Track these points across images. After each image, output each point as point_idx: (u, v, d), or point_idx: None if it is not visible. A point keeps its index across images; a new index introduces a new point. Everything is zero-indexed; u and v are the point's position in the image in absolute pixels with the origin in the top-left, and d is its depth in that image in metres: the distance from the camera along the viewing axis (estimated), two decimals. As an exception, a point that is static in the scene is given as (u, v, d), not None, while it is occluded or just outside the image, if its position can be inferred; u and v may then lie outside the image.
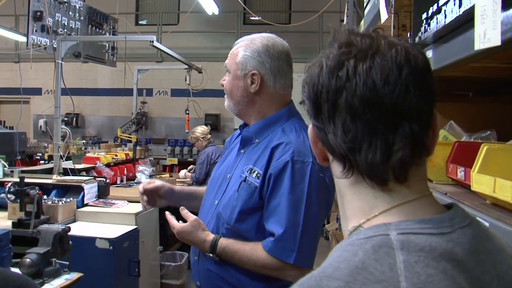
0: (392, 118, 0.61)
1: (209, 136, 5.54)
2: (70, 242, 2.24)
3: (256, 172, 1.52)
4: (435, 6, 1.38)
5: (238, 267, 1.52)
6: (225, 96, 1.68)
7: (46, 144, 6.90)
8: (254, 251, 1.48)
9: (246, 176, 1.54)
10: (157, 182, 1.85)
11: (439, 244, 0.57)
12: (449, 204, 0.66)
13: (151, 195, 1.83)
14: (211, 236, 1.54)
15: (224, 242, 1.52)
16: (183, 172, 5.80)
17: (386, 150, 0.61)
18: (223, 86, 1.68)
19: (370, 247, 0.57)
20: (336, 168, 0.67)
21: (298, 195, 1.45)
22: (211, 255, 1.52)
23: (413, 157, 0.62)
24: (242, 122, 1.73)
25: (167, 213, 1.67)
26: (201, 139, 5.42)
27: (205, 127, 5.64)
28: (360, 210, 0.65)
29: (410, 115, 0.62)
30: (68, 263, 2.21)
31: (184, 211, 1.61)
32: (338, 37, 0.67)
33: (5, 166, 3.96)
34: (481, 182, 1.22)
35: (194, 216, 1.59)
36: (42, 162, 5.43)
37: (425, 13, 1.46)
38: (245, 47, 1.63)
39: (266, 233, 1.50)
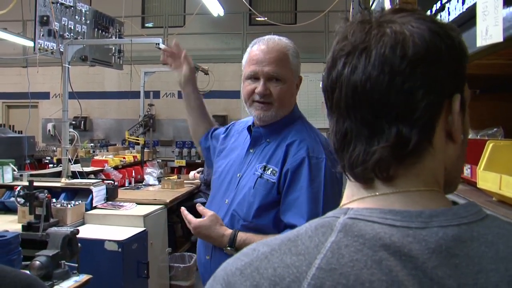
0: (375, 120, 0.59)
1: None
2: (79, 244, 2.25)
3: (271, 169, 1.57)
4: (438, 4, 1.38)
5: None
6: (269, 106, 1.61)
7: (54, 148, 6.94)
8: None
9: (261, 173, 1.58)
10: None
11: (389, 236, 0.55)
12: (462, 203, 0.61)
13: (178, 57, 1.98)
14: (229, 230, 1.56)
15: (243, 235, 1.54)
16: (192, 174, 5.82)
17: (365, 152, 0.60)
18: (263, 95, 1.60)
19: (314, 226, 0.59)
20: None
21: (316, 188, 1.51)
22: (229, 248, 1.53)
23: (396, 158, 0.59)
24: (251, 122, 1.73)
25: (182, 208, 1.69)
26: None
27: None
28: (346, 197, 0.66)
29: (397, 115, 0.59)
30: (77, 265, 2.22)
31: (201, 207, 1.64)
32: (339, 28, 0.65)
33: (14, 170, 3.99)
34: (487, 179, 1.22)
35: (212, 211, 1.61)
36: (51, 165, 5.47)
37: (429, 11, 1.45)
38: (292, 51, 1.66)
39: (281, 226, 1.54)
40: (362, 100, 0.60)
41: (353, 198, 0.63)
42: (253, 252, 0.59)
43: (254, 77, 1.61)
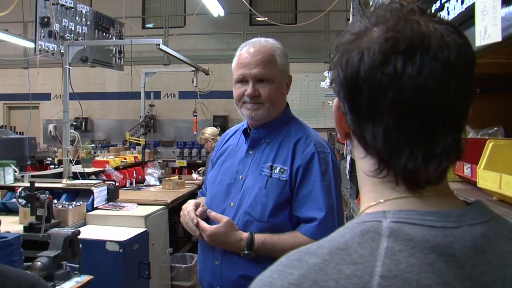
0: (438, 125, 0.59)
1: (218, 137, 5.54)
2: (80, 245, 2.26)
3: (278, 168, 1.60)
4: (438, 3, 1.38)
5: (271, 264, 1.53)
6: (259, 105, 1.64)
7: (55, 149, 6.96)
8: (295, 237, 1.54)
9: (270, 173, 1.60)
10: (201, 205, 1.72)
11: (434, 237, 0.55)
12: (472, 201, 0.64)
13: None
14: (245, 234, 1.56)
15: (260, 236, 1.55)
16: (195, 176, 5.82)
17: (427, 159, 0.59)
18: (252, 96, 1.63)
19: (359, 231, 0.57)
20: (361, 153, 0.66)
21: (328, 181, 1.57)
22: (246, 252, 1.53)
23: (453, 162, 0.61)
24: (245, 125, 1.75)
25: (193, 216, 1.64)
26: (210, 140, 5.42)
27: (214, 128, 5.64)
28: (372, 197, 0.65)
29: (456, 122, 0.60)
30: (78, 266, 2.23)
31: (213, 213, 1.62)
32: (381, 18, 0.61)
33: (15, 171, 4.00)
34: (487, 179, 1.22)
35: (227, 217, 1.59)
36: (52, 166, 5.48)
37: (429, 11, 1.45)
38: (279, 51, 1.68)
39: (295, 221, 1.58)
40: (428, 103, 0.57)
41: (380, 200, 0.63)
42: (301, 264, 0.56)
43: (243, 80, 1.65)
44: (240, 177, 1.66)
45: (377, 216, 0.59)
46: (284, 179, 1.58)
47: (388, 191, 0.63)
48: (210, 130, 5.51)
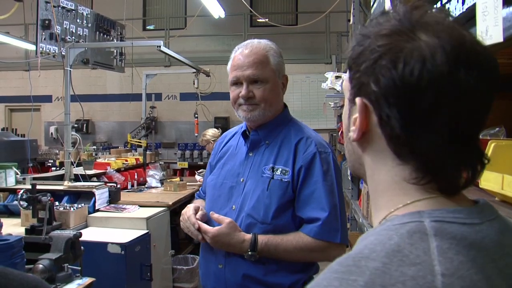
0: (477, 132, 0.63)
1: None
2: (82, 247, 2.25)
3: (280, 169, 1.61)
4: (439, 4, 1.38)
5: (274, 264, 1.56)
6: (255, 106, 1.65)
7: (57, 151, 6.97)
8: (299, 237, 1.55)
9: (272, 175, 1.60)
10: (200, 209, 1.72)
11: (469, 234, 0.58)
12: (477, 200, 0.67)
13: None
14: (248, 235, 1.56)
15: (263, 237, 1.55)
16: (198, 177, 5.81)
17: (472, 165, 0.63)
18: (247, 98, 1.64)
19: (405, 232, 0.58)
20: (388, 160, 0.66)
21: (330, 181, 1.58)
22: (250, 253, 1.53)
23: (484, 167, 0.65)
24: (244, 127, 1.76)
25: (194, 221, 1.64)
26: (211, 141, 5.42)
27: (216, 129, 5.64)
28: (396, 200, 0.65)
29: (481, 129, 0.64)
30: (80, 268, 2.22)
31: (216, 215, 1.62)
32: (441, 30, 0.61)
33: (17, 174, 4.00)
34: (489, 179, 1.21)
35: (229, 218, 1.59)
36: (53, 168, 5.49)
37: (424, 9, 1.45)
38: (272, 51, 1.68)
39: (297, 222, 1.59)
40: (479, 112, 0.61)
41: (407, 201, 0.64)
42: (361, 269, 0.55)
43: (237, 82, 1.66)
44: (241, 180, 1.66)
45: (414, 217, 0.60)
46: (286, 180, 1.58)
47: (418, 193, 0.64)
48: (211, 132, 5.51)
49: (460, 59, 0.58)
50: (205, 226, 1.60)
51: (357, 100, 0.65)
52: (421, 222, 0.59)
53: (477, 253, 0.56)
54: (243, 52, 1.66)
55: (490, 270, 0.56)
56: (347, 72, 0.71)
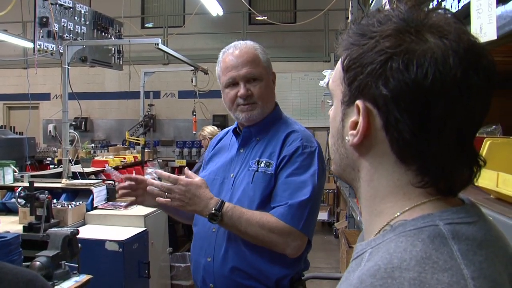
0: (475, 136, 0.63)
1: None
2: (79, 244, 2.26)
3: (264, 162, 1.62)
4: (435, 2, 1.38)
5: (261, 257, 1.57)
6: (254, 105, 1.65)
7: (55, 149, 6.95)
8: (264, 215, 1.54)
9: (257, 168, 1.62)
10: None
11: (476, 233, 0.59)
12: (462, 198, 0.67)
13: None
14: (216, 198, 1.56)
15: (231, 204, 1.55)
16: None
17: (472, 168, 0.63)
18: (246, 97, 1.64)
19: (426, 237, 0.57)
20: (388, 165, 0.65)
21: (309, 174, 1.58)
22: (213, 211, 1.50)
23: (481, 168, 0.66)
24: (235, 125, 1.78)
25: (159, 171, 1.71)
26: (208, 138, 5.43)
27: (215, 128, 5.64)
28: (400, 205, 0.64)
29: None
30: (77, 265, 2.23)
31: (189, 172, 1.61)
32: (456, 37, 0.60)
33: (15, 171, 4.00)
34: (484, 177, 1.22)
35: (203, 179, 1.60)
36: (52, 166, 5.48)
37: (426, 9, 1.45)
38: (260, 49, 1.71)
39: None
40: (483, 116, 0.62)
41: (412, 205, 0.63)
42: (399, 281, 0.54)
43: (233, 83, 1.66)
44: (231, 175, 1.68)
45: (427, 220, 0.60)
46: (269, 172, 1.60)
47: (421, 196, 0.64)
48: (210, 129, 5.51)
49: (470, 62, 0.58)
50: (177, 176, 1.57)
51: (359, 103, 0.63)
52: (436, 225, 0.59)
53: (487, 251, 0.57)
54: (233, 53, 1.67)
55: (499, 264, 0.58)
56: (340, 72, 0.68)
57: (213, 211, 1.51)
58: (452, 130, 0.60)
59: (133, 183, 1.72)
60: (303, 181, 1.57)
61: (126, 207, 1.86)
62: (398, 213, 0.63)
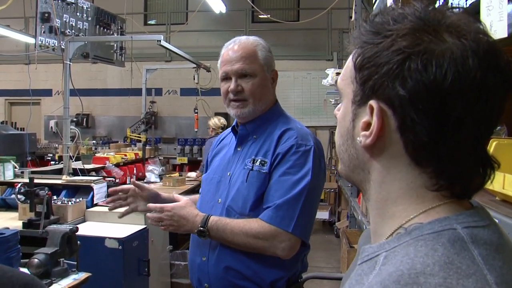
0: (489, 135, 0.63)
1: (220, 130, 5.55)
2: (78, 242, 2.24)
3: (259, 160, 1.61)
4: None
5: (255, 258, 1.55)
6: (244, 102, 1.65)
7: (56, 145, 6.96)
8: (247, 222, 1.54)
9: (252, 166, 1.61)
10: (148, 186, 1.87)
11: (492, 237, 0.58)
12: (470, 202, 0.67)
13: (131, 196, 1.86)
14: (202, 213, 1.61)
15: (215, 217, 1.58)
16: (194, 174, 5.81)
17: (487, 170, 0.62)
18: (236, 92, 1.65)
19: (447, 241, 0.56)
20: (402, 167, 0.63)
21: (302, 173, 1.55)
22: (200, 228, 1.56)
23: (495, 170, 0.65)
24: (234, 123, 1.77)
25: (149, 205, 1.69)
26: (212, 129, 5.55)
27: (221, 119, 5.71)
28: (414, 208, 0.63)
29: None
30: (76, 263, 2.21)
31: (176, 195, 1.72)
32: (476, 38, 0.59)
33: (15, 167, 3.99)
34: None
35: (186, 197, 1.69)
36: (52, 162, 5.48)
37: (438, 6, 1.43)
38: (261, 46, 1.69)
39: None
40: (498, 116, 0.61)
41: (426, 208, 0.62)
42: (424, 286, 0.53)
43: (226, 77, 1.67)
44: (228, 174, 1.68)
45: (445, 224, 0.59)
46: (264, 171, 1.58)
47: (435, 199, 0.62)
48: (215, 121, 5.62)
49: (489, 64, 0.57)
50: (159, 204, 1.64)
51: (373, 103, 0.61)
52: (454, 229, 0.57)
53: (503, 255, 0.56)
54: (232, 47, 1.68)
55: None
56: (351, 71, 0.66)
57: (200, 228, 1.56)
58: (469, 132, 0.58)
59: (121, 194, 1.86)
60: (295, 180, 1.54)
61: (121, 217, 1.90)
62: (412, 216, 0.62)
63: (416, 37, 0.58)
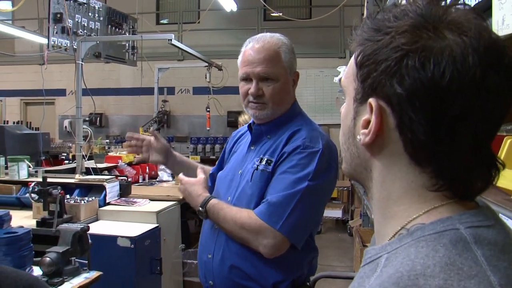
0: (494, 135, 0.61)
1: None
2: (90, 241, 2.25)
3: (266, 159, 1.60)
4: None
5: (261, 257, 1.53)
6: (263, 105, 1.62)
7: (70, 144, 7.01)
8: (240, 211, 1.55)
9: (257, 165, 1.60)
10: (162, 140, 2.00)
11: (496, 237, 0.56)
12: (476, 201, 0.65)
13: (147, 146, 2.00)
14: (207, 194, 1.66)
15: (216, 201, 1.62)
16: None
17: (491, 171, 0.61)
18: (256, 96, 1.63)
19: (448, 242, 0.55)
20: (402, 166, 0.62)
21: (303, 173, 1.52)
22: (200, 209, 1.62)
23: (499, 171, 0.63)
24: (251, 121, 1.76)
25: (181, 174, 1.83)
26: (242, 125, 5.53)
27: (248, 116, 5.72)
28: (416, 208, 0.62)
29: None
30: (87, 261, 2.22)
31: (181, 176, 1.81)
32: (477, 37, 0.57)
33: (29, 166, 4.03)
34: (504, 177, 1.17)
35: (203, 176, 1.75)
36: (66, 162, 5.52)
37: (444, 3, 1.40)
38: (284, 47, 1.64)
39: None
40: (502, 116, 0.60)
41: (428, 208, 0.61)
42: None
43: (247, 78, 1.62)
44: (239, 172, 1.67)
45: (447, 224, 0.57)
46: (268, 171, 1.57)
47: (437, 199, 0.61)
48: (245, 117, 5.63)
49: (491, 61, 0.56)
50: (182, 177, 1.78)
51: (372, 101, 0.61)
52: (457, 229, 0.56)
53: (509, 256, 0.55)
54: (254, 46, 1.62)
55: None
56: (353, 69, 0.66)
57: (199, 208, 1.62)
58: (468, 132, 0.57)
59: (138, 142, 2.02)
60: (294, 180, 1.51)
61: (136, 164, 2.13)
62: (414, 216, 0.61)
63: (415, 34, 0.57)
